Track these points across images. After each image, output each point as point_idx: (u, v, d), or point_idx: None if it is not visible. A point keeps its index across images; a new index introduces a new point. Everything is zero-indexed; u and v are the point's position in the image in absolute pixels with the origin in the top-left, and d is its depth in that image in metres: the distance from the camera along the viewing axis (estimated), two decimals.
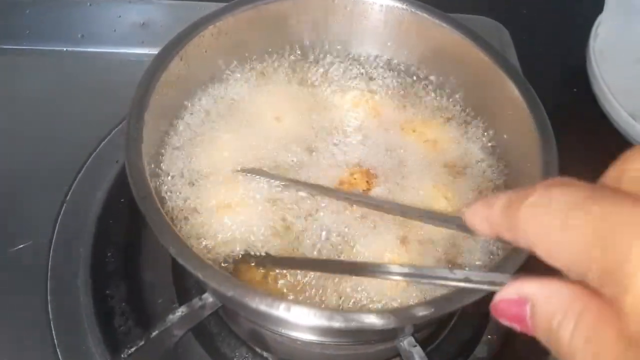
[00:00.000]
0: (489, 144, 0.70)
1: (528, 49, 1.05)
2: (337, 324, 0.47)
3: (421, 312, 0.48)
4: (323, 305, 0.57)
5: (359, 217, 0.61)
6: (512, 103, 0.65)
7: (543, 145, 0.59)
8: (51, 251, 0.73)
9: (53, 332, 0.67)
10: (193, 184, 0.63)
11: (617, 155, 0.33)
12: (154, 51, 0.65)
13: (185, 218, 0.61)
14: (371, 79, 0.76)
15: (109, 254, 0.73)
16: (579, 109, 1.03)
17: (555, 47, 1.11)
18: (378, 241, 0.60)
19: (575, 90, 1.06)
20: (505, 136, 0.68)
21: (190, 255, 0.51)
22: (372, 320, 0.47)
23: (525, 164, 0.63)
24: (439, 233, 0.60)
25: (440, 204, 0.62)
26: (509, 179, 0.67)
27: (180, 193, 0.63)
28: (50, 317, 0.68)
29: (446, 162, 0.68)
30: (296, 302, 0.49)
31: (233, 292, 0.49)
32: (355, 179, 0.63)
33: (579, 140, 0.89)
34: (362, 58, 0.78)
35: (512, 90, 0.64)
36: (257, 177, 0.63)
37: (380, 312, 0.48)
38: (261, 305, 0.48)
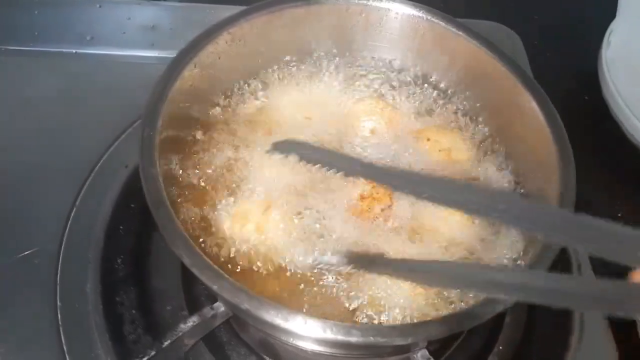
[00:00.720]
0: (504, 154, 0.70)
1: (539, 55, 1.04)
2: (354, 338, 0.46)
3: (438, 328, 0.48)
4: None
5: None
6: (528, 114, 0.64)
7: (560, 161, 0.59)
8: (60, 257, 0.72)
9: (62, 338, 0.66)
10: None
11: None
12: (164, 54, 0.64)
13: None
14: (386, 86, 0.75)
15: (118, 260, 0.72)
16: (590, 116, 1.02)
17: (566, 54, 1.10)
18: None
19: (586, 97, 1.05)
20: (520, 146, 0.68)
21: (204, 266, 0.51)
22: (389, 335, 0.47)
23: (541, 176, 0.62)
24: None
25: (456, 215, 0.61)
26: (524, 188, 0.66)
27: None
28: (60, 323, 0.67)
29: (461, 172, 0.68)
30: (311, 315, 0.48)
31: (248, 304, 0.48)
32: (377, 193, 0.61)
33: (590, 147, 0.88)
34: (376, 65, 0.77)
35: (529, 101, 0.64)
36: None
37: (396, 328, 0.47)
38: (276, 318, 0.48)
